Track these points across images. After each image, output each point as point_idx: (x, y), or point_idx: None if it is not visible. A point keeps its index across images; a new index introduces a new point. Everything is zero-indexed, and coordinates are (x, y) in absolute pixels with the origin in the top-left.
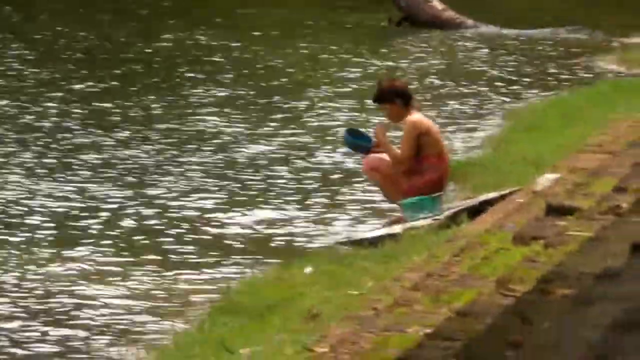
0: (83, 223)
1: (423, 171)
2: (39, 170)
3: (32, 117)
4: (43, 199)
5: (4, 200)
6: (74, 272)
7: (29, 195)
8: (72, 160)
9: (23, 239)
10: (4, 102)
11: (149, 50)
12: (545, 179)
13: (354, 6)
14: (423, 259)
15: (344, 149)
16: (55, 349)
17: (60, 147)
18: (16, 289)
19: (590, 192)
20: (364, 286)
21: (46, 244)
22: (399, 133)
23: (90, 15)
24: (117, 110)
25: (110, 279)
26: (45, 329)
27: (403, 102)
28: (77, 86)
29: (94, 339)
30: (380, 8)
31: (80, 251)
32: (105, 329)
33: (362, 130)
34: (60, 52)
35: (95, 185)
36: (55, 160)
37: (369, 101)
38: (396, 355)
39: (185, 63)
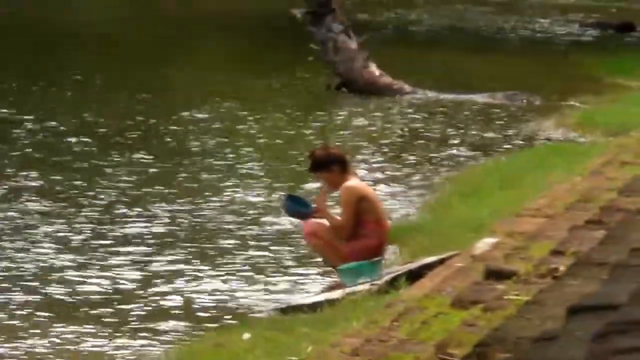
0: (11, 284)
1: (362, 236)
2: None
3: None
4: None
5: None
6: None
7: None
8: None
9: None
10: None
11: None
12: (484, 243)
13: (290, 71)
14: (362, 324)
15: (284, 215)
16: None
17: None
18: None
19: (528, 255)
20: (303, 352)
21: None
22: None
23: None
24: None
25: (47, 346)
26: None
27: (340, 169)
28: None
29: None
30: (319, 73)
31: (8, 312)
32: None
33: (301, 196)
34: None
35: (21, 249)
36: None
37: (306, 169)
38: None
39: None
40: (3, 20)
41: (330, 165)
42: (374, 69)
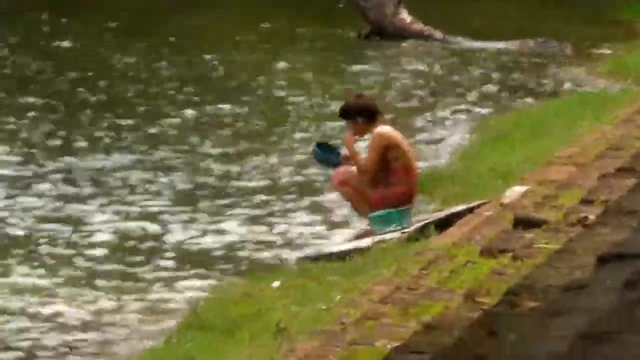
0: (49, 239)
1: (391, 184)
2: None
3: None
4: (13, 212)
5: None
6: (42, 289)
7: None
8: (45, 174)
9: None
10: None
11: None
12: (513, 192)
13: (321, 19)
14: (391, 272)
15: (313, 162)
16: None
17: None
18: None
19: (558, 204)
20: (332, 300)
21: (14, 258)
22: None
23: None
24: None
25: (77, 297)
26: (13, 346)
27: (365, 119)
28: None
29: (62, 357)
30: (349, 20)
31: (49, 269)
32: (73, 347)
33: (331, 144)
34: None
35: (60, 202)
36: (29, 173)
37: (336, 115)
38: None
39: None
40: None
41: (355, 115)
42: (405, 16)
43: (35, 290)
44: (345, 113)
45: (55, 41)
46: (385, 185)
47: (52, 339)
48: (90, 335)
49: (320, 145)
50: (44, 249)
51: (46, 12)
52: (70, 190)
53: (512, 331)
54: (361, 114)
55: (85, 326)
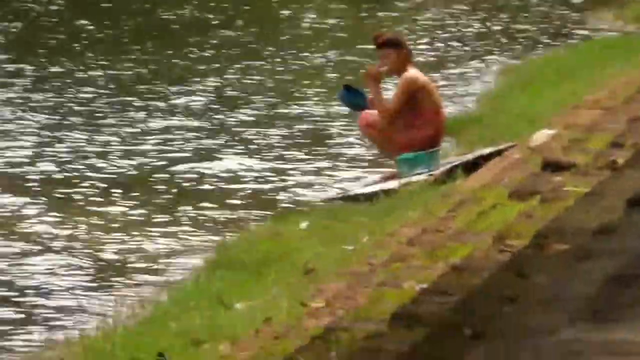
0: (79, 173)
1: (419, 126)
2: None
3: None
4: (34, 155)
5: None
6: (67, 224)
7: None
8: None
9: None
10: None
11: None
12: (541, 135)
13: None
14: (419, 214)
15: (340, 104)
16: (49, 302)
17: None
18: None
19: (586, 147)
20: (359, 241)
21: (49, 194)
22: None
23: None
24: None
25: (104, 233)
26: (49, 279)
27: (407, 54)
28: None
29: (88, 294)
30: None
31: (75, 200)
32: (100, 283)
33: (358, 88)
34: None
35: (87, 139)
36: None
37: (360, 61)
38: (392, 310)
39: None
40: None
41: (401, 46)
42: None
43: (59, 223)
44: (392, 42)
45: None
46: (413, 127)
47: (74, 274)
48: (116, 273)
49: (347, 87)
50: (66, 183)
51: None
52: (87, 127)
53: (542, 273)
54: (404, 47)
55: (110, 263)
